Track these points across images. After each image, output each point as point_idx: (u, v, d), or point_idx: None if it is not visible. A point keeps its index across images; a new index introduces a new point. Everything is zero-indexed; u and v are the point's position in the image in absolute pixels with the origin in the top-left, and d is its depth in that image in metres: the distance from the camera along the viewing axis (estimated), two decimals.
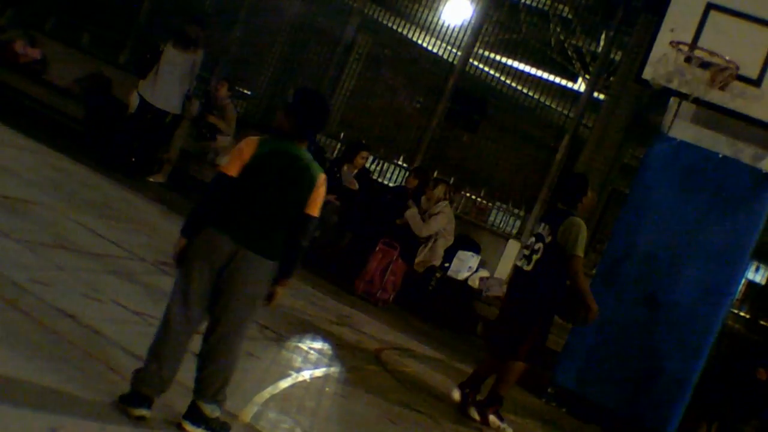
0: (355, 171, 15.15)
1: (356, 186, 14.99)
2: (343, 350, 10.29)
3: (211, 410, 6.17)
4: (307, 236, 6.19)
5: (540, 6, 17.55)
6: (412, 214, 14.29)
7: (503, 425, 9.50)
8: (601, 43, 17.18)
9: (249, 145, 6.15)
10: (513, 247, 15.42)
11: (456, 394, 9.73)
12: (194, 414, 6.17)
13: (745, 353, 12.81)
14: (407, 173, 16.47)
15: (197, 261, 6.07)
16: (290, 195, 6.10)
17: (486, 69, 18.02)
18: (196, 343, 6.27)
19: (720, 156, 11.24)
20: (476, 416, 9.52)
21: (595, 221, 15.63)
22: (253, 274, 6.06)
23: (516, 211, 16.78)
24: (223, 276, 6.03)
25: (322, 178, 6.17)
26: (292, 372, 8.69)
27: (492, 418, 9.51)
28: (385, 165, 18.01)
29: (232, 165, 6.12)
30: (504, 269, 15.10)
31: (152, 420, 6.08)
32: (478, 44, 17.48)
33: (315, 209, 6.16)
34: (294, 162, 6.13)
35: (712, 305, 11.09)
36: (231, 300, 6.06)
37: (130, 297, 8.58)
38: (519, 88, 17.92)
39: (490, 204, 17.12)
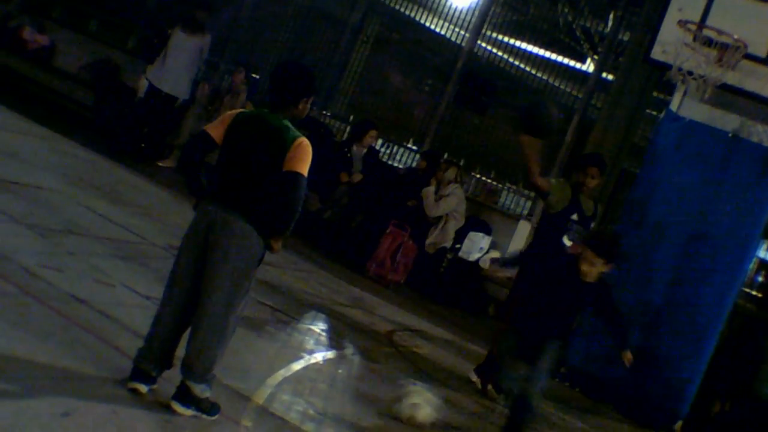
0: (365, 150, 15.12)
1: (360, 178, 14.93)
2: (355, 332, 10.30)
3: (200, 390, 6.12)
4: (293, 194, 6.06)
5: None
6: (428, 191, 14.30)
7: None
8: (610, 23, 17.14)
9: (231, 114, 6.23)
10: (524, 228, 15.40)
11: (473, 377, 9.76)
12: (183, 394, 6.14)
13: (758, 332, 12.79)
14: (417, 156, 16.47)
15: (187, 237, 6.16)
16: (262, 157, 6.06)
17: (494, 51, 17.98)
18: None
19: (729, 135, 11.22)
20: (495, 395, 9.56)
21: (605, 201, 15.60)
22: (236, 245, 6.02)
23: (526, 192, 16.76)
24: (208, 248, 6.03)
25: (298, 140, 6.09)
26: (305, 354, 8.70)
27: None
28: (395, 148, 18.00)
29: (214, 128, 6.20)
30: (515, 250, 15.10)
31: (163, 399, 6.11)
32: (486, 26, 17.45)
33: (297, 166, 6.04)
34: (265, 126, 6.12)
35: (723, 284, 11.07)
36: (215, 274, 6.02)
37: (140, 281, 8.59)
38: (527, 69, 17.89)
39: (500, 185, 17.10)
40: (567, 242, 9.66)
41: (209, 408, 6.20)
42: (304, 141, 6.11)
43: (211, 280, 6.03)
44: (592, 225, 9.84)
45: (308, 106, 6.43)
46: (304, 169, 6.06)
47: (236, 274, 6.06)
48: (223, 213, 6.01)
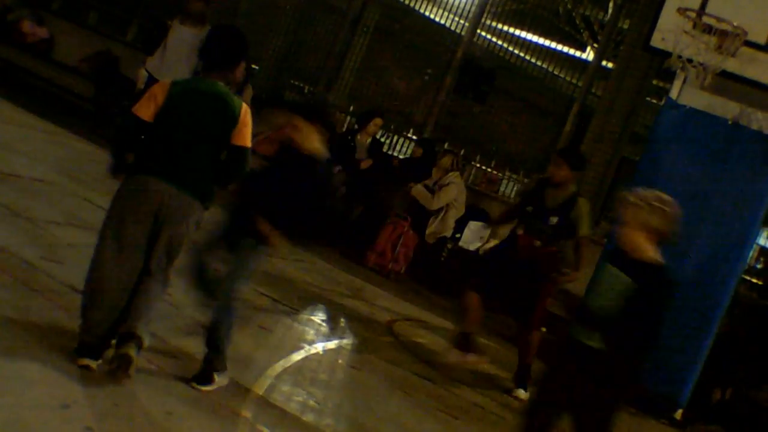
0: (369, 139, 15.07)
1: (369, 164, 14.91)
2: (355, 322, 10.31)
3: (149, 340, 6.23)
4: (242, 167, 6.25)
5: None
6: (418, 190, 14.25)
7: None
8: (609, 11, 17.13)
9: (162, 88, 6.19)
10: None
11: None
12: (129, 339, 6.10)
13: (759, 320, 12.79)
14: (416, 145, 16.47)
15: (131, 207, 6.15)
16: (211, 129, 6.11)
17: (494, 39, 17.97)
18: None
19: (729, 122, 11.20)
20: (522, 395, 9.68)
21: (605, 190, 15.60)
22: (180, 217, 6.12)
23: (526, 181, 16.77)
24: (153, 220, 6.09)
25: (244, 108, 6.17)
26: (305, 345, 8.72)
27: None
28: (395, 138, 17.99)
29: (143, 107, 6.15)
30: None
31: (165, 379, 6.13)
32: (485, 15, 17.43)
33: (244, 140, 6.17)
34: (209, 96, 6.13)
35: (723, 272, 11.07)
36: (160, 243, 6.13)
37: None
38: (527, 58, 17.88)
39: (500, 174, 17.10)
40: (519, 230, 9.85)
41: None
42: (246, 107, 6.23)
43: (156, 249, 6.14)
44: (573, 218, 9.75)
45: (243, 71, 6.46)
46: (249, 140, 6.22)
47: (176, 243, 6.22)
48: (170, 187, 6.06)
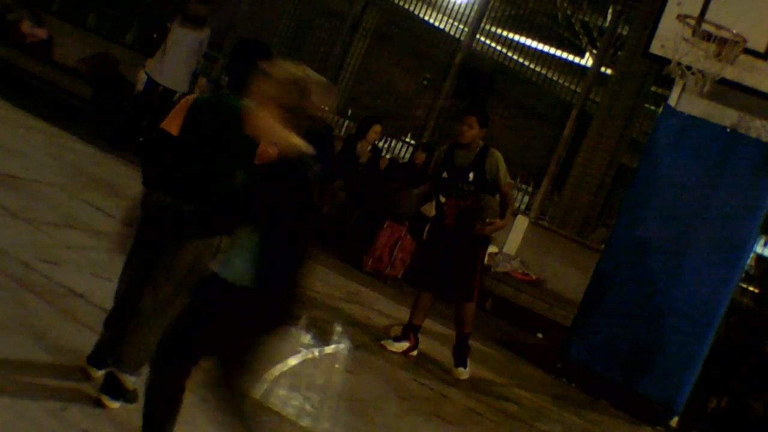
0: (369, 147, 15.08)
1: (385, 162, 14.97)
2: (352, 327, 10.31)
3: (132, 382, 5.97)
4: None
5: None
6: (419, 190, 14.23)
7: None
8: (608, 17, 17.13)
9: (186, 103, 6.08)
10: (521, 223, 15.42)
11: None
12: (113, 386, 5.95)
13: (755, 328, 12.80)
14: (414, 149, 16.45)
15: (142, 227, 6.02)
16: (229, 146, 5.83)
17: (493, 45, 17.99)
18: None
19: (728, 130, 11.22)
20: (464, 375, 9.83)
21: (603, 196, 15.62)
22: (188, 237, 5.89)
23: (524, 186, 16.78)
24: (165, 237, 5.88)
25: None
26: (302, 349, 8.71)
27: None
28: (393, 142, 17.99)
29: (171, 122, 6.06)
30: (512, 245, 15.10)
31: None
32: (484, 20, 17.46)
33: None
34: (223, 113, 5.92)
35: (720, 280, 11.07)
36: (164, 268, 5.87)
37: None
38: (526, 63, 17.91)
39: None
40: (441, 199, 9.97)
41: (133, 398, 5.99)
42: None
43: (160, 272, 5.88)
44: (488, 171, 9.78)
45: None
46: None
47: (184, 268, 5.87)
48: (186, 205, 5.86)
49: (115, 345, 6.02)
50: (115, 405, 5.95)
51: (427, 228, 13.21)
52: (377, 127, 15.09)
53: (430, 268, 10.09)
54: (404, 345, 9.85)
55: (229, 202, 5.70)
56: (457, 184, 9.77)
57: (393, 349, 9.75)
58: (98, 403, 5.95)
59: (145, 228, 6.00)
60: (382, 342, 9.78)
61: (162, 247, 5.88)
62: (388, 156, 16.29)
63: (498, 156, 9.82)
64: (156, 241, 5.91)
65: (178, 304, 5.89)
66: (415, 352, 9.96)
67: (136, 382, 6.03)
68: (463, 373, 9.78)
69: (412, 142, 17.64)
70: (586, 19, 18.37)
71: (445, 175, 9.87)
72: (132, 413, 5.82)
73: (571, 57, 18.32)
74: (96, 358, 6.10)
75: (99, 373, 6.08)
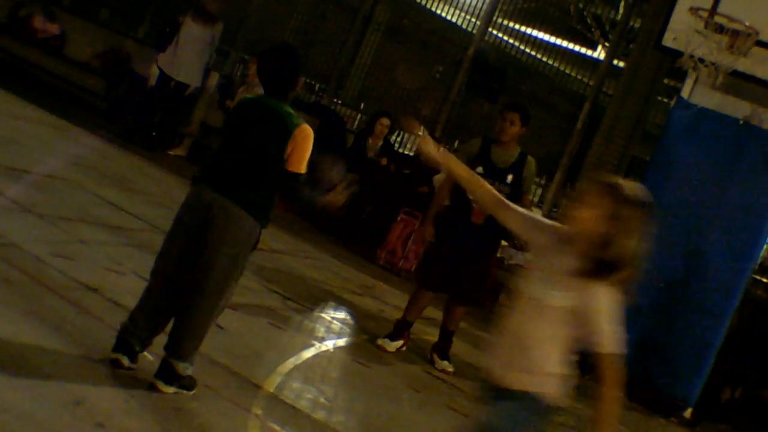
0: (380, 142, 15.06)
1: (385, 161, 14.95)
2: (365, 320, 10.32)
3: (184, 368, 6.13)
4: (291, 193, 6.24)
5: None
6: (440, 178, 14.26)
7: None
8: (621, 9, 17.10)
9: (233, 102, 6.36)
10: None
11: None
12: (167, 372, 6.11)
13: None
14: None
15: (182, 216, 6.21)
16: (263, 146, 6.09)
17: (505, 38, 17.95)
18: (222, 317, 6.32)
19: (740, 122, 11.19)
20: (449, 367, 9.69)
21: None
22: (231, 228, 6.05)
23: (537, 179, 16.74)
24: (204, 230, 6.05)
25: (299, 130, 6.10)
26: (316, 342, 8.72)
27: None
28: (406, 136, 17.96)
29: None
30: None
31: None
32: (497, 13, 17.41)
33: (296, 165, 6.10)
34: (268, 113, 6.15)
35: (734, 271, 11.06)
36: (210, 257, 6.04)
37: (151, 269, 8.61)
38: (539, 56, 17.86)
39: None
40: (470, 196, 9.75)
41: (190, 384, 6.21)
42: (305, 130, 6.15)
43: (206, 263, 6.05)
44: (524, 178, 9.77)
45: (302, 81, 6.49)
46: (304, 165, 6.15)
47: (229, 259, 6.09)
48: (220, 197, 6.04)
49: (146, 332, 6.17)
50: (170, 390, 6.11)
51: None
52: (384, 120, 15.06)
53: (448, 268, 9.63)
54: (399, 343, 9.73)
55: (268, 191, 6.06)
56: (493, 183, 9.54)
57: (390, 349, 9.59)
58: (152, 388, 6.08)
59: (187, 217, 6.20)
60: (379, 342, 9.60)
61: (206, 238, 6.05)
62: (397, 148, 16.32)
63: (534, 167, 9.79)
64: (198, 231, 6.08)
65: (232, 290, 6.28)
66: (404, 348, 9.87)
67: (188, 368, 6.13)
68: (449, 366, 9.70)
69: None
70: (599, 11, 18.32)
71: (480, 170, 9.54)
72: (144, 409, 5.85)
73: (583, 50, 18.28)
74: (124, 346, 6.14)
75: (122, 357, 6.12)
